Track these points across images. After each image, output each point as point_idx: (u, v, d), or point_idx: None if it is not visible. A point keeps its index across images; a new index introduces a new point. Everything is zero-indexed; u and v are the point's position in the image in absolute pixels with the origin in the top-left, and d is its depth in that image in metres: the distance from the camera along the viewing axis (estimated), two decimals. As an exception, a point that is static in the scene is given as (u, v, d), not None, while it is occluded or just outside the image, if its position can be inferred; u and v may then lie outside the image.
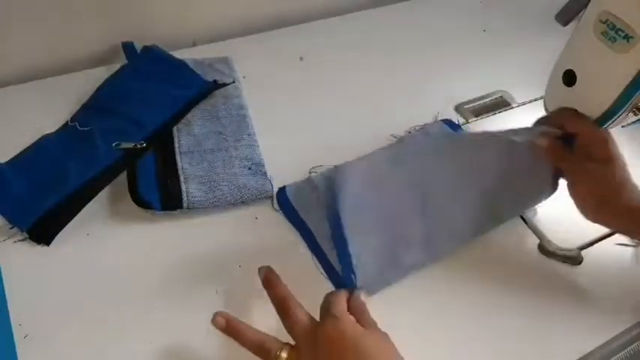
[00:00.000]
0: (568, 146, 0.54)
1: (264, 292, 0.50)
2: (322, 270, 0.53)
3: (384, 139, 0.66)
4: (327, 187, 0.55)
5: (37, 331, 0.47)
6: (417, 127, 0.66)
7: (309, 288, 0.52)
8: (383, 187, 0.51)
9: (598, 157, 0.52)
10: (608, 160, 0.52)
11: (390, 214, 0.52)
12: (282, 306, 0.46)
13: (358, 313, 0.46)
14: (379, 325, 0.45)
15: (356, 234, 0.49)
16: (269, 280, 0.48)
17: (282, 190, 0.58)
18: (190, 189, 0.57)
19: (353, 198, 0.49)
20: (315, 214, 0.55)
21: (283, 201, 0.57)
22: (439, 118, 0.68)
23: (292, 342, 0.44)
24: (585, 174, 0.53)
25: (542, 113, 0.58)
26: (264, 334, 0.44)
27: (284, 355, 0.43)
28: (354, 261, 0.48)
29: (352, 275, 0.48)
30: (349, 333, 0.42)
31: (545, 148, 0.54)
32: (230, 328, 0.45)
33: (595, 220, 0.52)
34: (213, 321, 0.45)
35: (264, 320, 0.49)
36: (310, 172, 0.60)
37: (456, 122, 0.68)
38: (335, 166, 0.50)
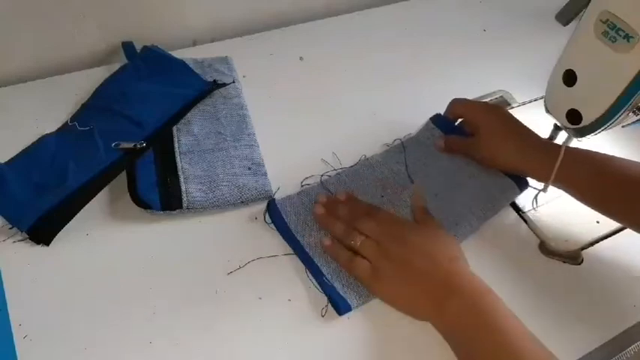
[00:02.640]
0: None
1: (264, 293, 0.50)
2: (314, 281, 0.52)
3: (384, 138, 0.66)
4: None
5: (36, 331, 0.47)
6: (408, 135, 0.66)
7: (308, 288, 0.52)
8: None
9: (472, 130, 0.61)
10: (476, 130, 0.59)
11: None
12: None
13: (419, 212, 0.56)
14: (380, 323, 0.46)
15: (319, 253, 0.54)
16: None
17: (272, 203, 0.58)
18: (190, 189, 0.56)
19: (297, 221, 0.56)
20: (302, 225, 0.56)
21: (274, 213, 0.57)
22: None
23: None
24: (474, 150, 0.60)
25: (542, 113, 0.58)
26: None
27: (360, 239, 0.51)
28: (328, 277, 0.52)
29: (334, 290, 0.51)
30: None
31: (444, 146, 0.62)
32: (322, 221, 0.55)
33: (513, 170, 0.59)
34: (314, 210, 0.55)
35: (264, 320, 0.49)
36: (302, 185, 0.60)
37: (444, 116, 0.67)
38: (274, 199, 0.58)
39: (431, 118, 0.66)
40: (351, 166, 0.62)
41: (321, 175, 0.61)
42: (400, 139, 0.65)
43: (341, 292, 0.51)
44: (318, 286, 0.52)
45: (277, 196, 0.58)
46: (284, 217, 0.56)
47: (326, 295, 0.51)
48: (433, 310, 0.47)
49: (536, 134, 0.58)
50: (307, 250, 0.54)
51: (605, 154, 0.56)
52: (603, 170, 0.54)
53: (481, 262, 0.56)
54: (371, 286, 0.50)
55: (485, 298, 0.46)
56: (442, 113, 0.66)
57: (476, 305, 0.45)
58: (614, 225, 0.59)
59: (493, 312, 0.45)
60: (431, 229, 0.53)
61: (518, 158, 0.57)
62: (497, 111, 0.60)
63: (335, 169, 0.62)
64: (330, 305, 0.50)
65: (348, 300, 0.50)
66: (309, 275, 0.53)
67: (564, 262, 0.57)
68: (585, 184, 0.54)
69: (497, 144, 0.58)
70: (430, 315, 0.47)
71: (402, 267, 0.49)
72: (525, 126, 0.59)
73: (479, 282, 0.48)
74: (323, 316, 0.50)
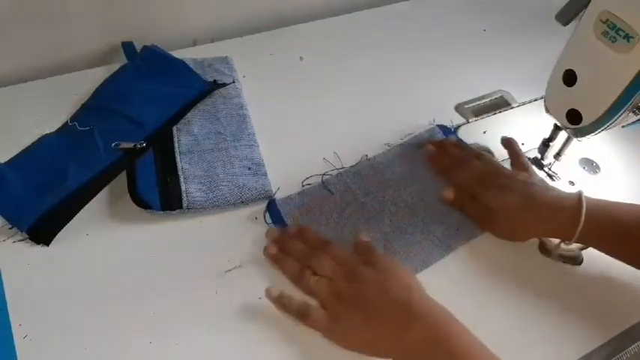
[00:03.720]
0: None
1: (263, 292, 0.50)
2: None
3: (384, 138, 0.66)
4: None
5: (36, 331, 0.47)
6: (408, 135, 0.66)
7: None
8: (323, 210, 0.58)
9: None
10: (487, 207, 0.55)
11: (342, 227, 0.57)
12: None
13: (366, 253, 0.51)
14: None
15: None
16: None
17: (272, 203, 0.58)
18: (190, 189, 0.56)
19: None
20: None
21: (274, 213, 0.57)
22: (435, 123, 0.68)
23: None
24: (487, 225, 0.56)
25: (542, 113, 0.58)
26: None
27: (313, 280, 0.49)
28: None
29: None
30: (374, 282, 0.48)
31: (450, 200, 0.58)
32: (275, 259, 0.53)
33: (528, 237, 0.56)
34: (267, 250, 0.53)
35: (264, 320, 0.49)
36: (303, 185, 0.60)
37: (450, 127, 0.68)
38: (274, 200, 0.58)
39: (438, 125, 0.67)
40: (352, 166, 0.62)
41: (322, 175, 0.61)
42: (402, 140, 0.65)
43: None
44: None
45: (277, 196, 0.58)
46: (284, 217, 0.56)
47: None
48: (395, 343, 0.45)
49: (546, 193, 0.55)
50: None
51: (626, 205, 0.54)
52: (629, 226, 0.52)
53: (480, 262, 0.56)
54: (330, 332, 0.47)
55: (446, 324, 0.45)
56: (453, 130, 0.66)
57: (438, 331, 0.44)
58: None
59: (456, 338, 0.44)
60: (382, 261, 0.50)
61: (538, 231, 0.56)
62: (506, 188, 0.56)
63: (336, 169, 0.62)
64: None
65: None
66: None
67: (564, 262, 0.57)
68: (611, 243, 0.53)
69: (515, 225, 0.56)
70: (392, 349, 0.45)
71: (357, 305, 0.47)
72: (535, 186, 0.56)
73: (438, 307, 0.46)
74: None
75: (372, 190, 0.60)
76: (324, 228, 0.56)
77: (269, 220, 0.56)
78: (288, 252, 0.53)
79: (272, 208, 0.57)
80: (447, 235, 0.56)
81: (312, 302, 0.49)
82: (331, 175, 0.61)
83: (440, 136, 0.66)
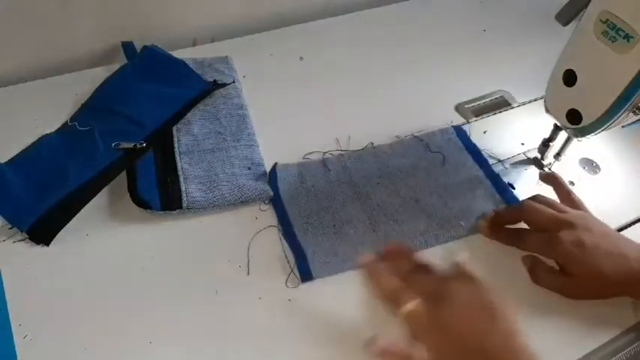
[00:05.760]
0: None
1: (264, 293, 0.50)
2: (286, 244, 0.54)
3: (385, 139, 0.66)
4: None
5: (37, 331, 0.47)
6: (418, 133, 0.66)
7: (309, 288, 0.52)
8: (316, 181, 0.59)
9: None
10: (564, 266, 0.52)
11: (328, 203, 0.58)
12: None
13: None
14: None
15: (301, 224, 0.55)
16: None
17: (273, 168, 0.60)
18: (190, 189, 0.56)
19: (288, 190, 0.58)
20: (292, 195, 0.58)
21: (272, 179, 0.59)
22: (452, 124, 0.68)
23: None
24: (567, 291, 0.52)
25: (542, 113, 0.58)
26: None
27: (410, 306, 0.42)
28: (306, 250, 0.53)
29: (304, 256, 0.53)
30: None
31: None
32: (371, 270, 0.46)
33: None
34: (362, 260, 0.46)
35: (264, 320, 0.49)
36: (303, 158, 0.62)
37: (462, 125, 0.68)
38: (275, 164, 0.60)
39: (454, 127, 0.67)
40: (355, 150, 0.63)
41: (324, 153, 0.62)
42: (413, 135, 0.66)
43: (309, 259, 0.52)
44: (289, 249, 0.53)
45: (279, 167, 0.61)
46: (278, 183, 0.58)
47: (294, 257, 0.53)
48: None
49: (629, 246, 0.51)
50: (291, 220, 0.56)
51: None
52: None
53: (479, 261, 0.56)
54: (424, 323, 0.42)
55: None
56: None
57: None
58: (614, 224, 0.59)
59: None
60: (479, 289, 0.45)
61: (626, 290, 0.51)
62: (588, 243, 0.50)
63: (340, 150, 0.63)
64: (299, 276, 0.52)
65: (311, 268, 0.52)
66: (283, 239, 0.54)
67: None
68: None
69: (600, 285, 0.50)
70: None
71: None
72: (618, 238, 0.52)
73: None
74: (291, 298, 0.50)
75: (368, 175, 0.60)
76: (313, 200, 0.58)
77: (264, 208, 0.58)
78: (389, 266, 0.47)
79: (272, 173, 0.59)
80: (429, 230, 0.56)
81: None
82: (332, 154, 0.62)
83: (453, 137, 0.66)
